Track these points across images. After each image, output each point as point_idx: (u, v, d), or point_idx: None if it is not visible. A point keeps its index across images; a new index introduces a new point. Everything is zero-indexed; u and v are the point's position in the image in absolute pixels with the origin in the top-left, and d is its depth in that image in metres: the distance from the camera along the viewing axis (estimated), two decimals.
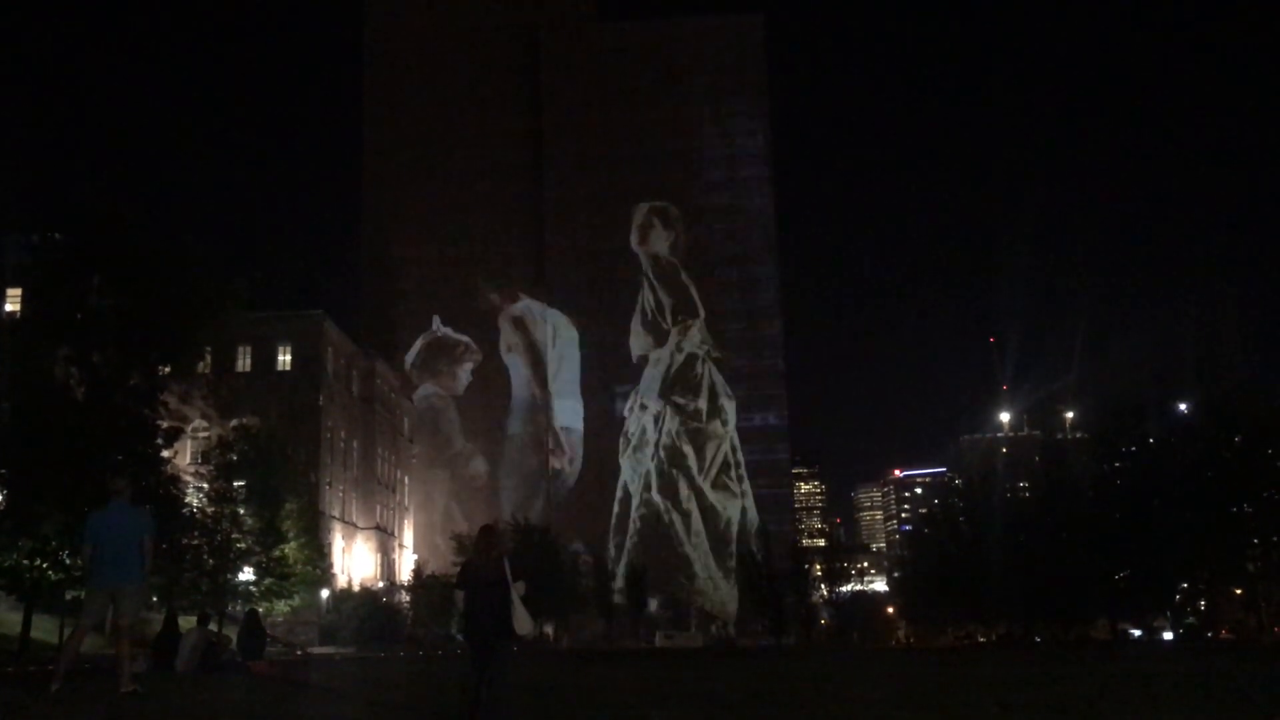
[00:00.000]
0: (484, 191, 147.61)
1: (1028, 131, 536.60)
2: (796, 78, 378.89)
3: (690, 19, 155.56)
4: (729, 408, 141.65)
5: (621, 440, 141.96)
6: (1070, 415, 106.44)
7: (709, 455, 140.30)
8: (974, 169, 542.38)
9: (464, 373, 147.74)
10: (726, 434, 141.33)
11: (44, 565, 36.09)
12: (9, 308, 48.97)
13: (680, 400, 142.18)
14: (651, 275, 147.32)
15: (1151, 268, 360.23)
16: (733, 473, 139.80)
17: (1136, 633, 77.12)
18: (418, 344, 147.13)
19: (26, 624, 36.36)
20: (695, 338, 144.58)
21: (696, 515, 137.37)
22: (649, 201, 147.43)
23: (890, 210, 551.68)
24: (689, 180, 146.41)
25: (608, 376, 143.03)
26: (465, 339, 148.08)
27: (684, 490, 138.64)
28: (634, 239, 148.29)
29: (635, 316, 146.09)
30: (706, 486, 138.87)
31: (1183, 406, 63.93)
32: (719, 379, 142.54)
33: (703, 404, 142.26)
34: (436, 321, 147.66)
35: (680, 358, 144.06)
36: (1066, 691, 16.29)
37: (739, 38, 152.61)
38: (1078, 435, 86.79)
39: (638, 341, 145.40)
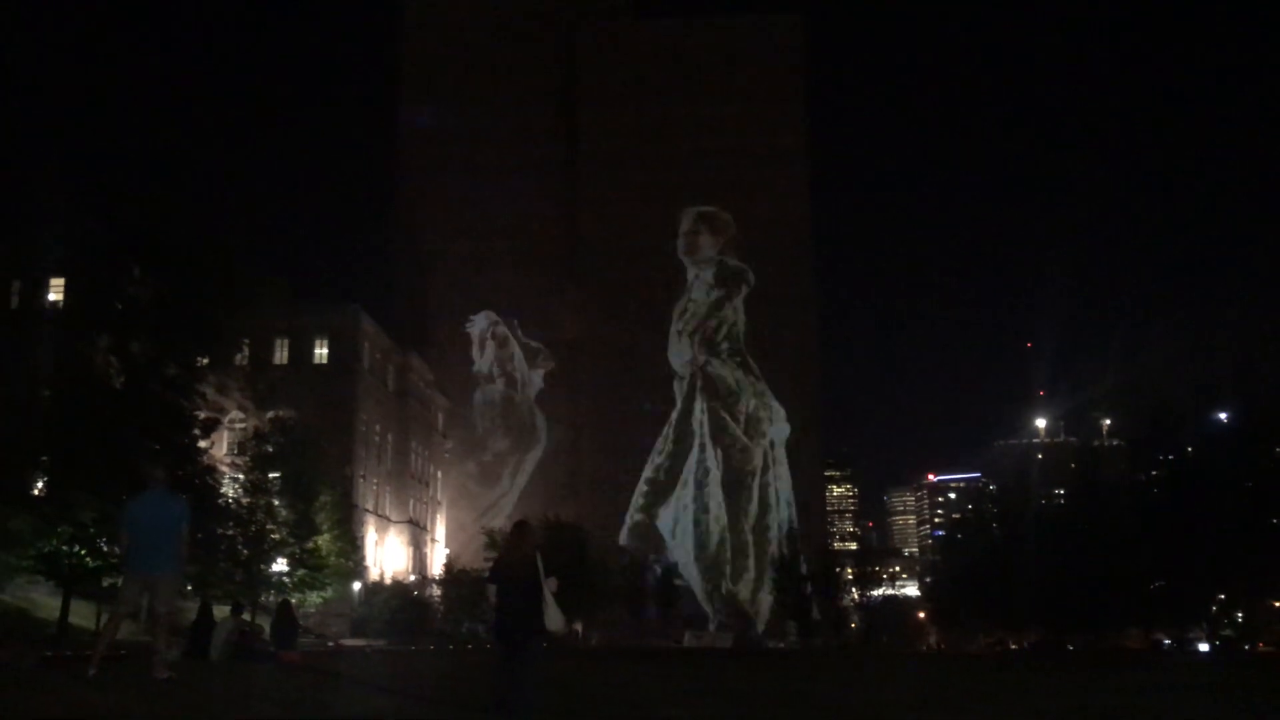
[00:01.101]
0: (518, 188, 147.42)
1: (1067, 135, 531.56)
2: (835, 79, 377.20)
3: (729, 18, 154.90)
4: (769, 411, 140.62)
5: (659, 440, 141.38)
6: (1107, 422, 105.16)
7: (747, 459, 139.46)
8: (1012, 173, 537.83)
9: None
10: (766, 436, 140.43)
11: (82, 551, 36.59)
12: (51, 297, 49.71)
13: (719, 402, 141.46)
14: (697, 282, 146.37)
15: (1191, 273, 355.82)
16: (770, 475, 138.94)
17: (1168, 643, 76.20)
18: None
19: (65, 609, 36.86)
20: (739, 341, 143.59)
21: (730, 517, 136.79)
22: (695, 207, 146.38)
23: (927, 213, 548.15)
24: (725, 181, 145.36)
25: (643, 377, 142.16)
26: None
27: (718, 492, 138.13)
28: (680, 246, 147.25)
29: (675, 321, 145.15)
30: (747, 489, 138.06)
31: (1221, 415, 62.88)
32: (764, 385, 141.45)
33: (744, 407, 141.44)
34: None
35: (722, 363, 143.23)
36: (1102, 701, 16.14)
37: (778, 38, 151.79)
38: (1114, 442, 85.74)
39: (677, 345, 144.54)
